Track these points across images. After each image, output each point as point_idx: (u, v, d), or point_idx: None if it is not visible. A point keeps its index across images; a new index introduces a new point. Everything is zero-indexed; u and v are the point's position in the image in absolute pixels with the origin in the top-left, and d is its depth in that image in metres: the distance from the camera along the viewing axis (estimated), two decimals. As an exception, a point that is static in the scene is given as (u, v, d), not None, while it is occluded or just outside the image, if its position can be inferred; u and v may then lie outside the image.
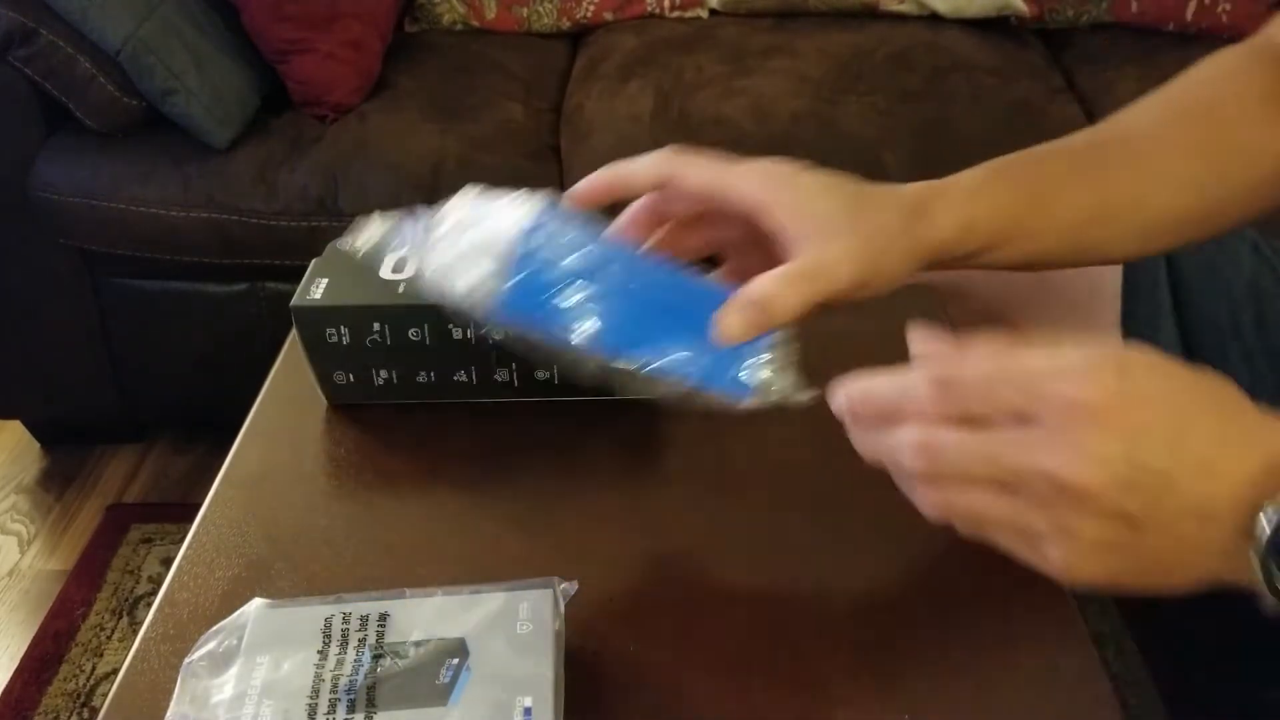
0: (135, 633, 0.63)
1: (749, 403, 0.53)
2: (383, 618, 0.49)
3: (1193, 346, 0.76)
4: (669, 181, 0.56)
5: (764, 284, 0.51)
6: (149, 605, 0.59)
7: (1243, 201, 0.63)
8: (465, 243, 0.52)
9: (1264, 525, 0.40)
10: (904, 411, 0.45)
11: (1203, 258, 0.78)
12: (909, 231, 0.53)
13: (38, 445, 1.77)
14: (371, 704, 0.46)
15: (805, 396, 0.53)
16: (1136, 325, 0.77)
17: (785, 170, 0.55)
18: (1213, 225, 0.64)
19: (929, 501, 0.46)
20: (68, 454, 1.74)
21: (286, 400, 0.71)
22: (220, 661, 0.48)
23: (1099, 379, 0.41)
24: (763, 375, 0.52)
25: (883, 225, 0.53)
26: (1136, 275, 0.77)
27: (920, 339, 0.47)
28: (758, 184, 0.54)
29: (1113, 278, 0.78)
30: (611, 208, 0.58)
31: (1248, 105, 0.64)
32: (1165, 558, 0.43)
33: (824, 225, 0.52)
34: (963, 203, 0.55)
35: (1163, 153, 0.61)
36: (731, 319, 0.51)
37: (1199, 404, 0.42)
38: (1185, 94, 0.65)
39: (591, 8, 1.79)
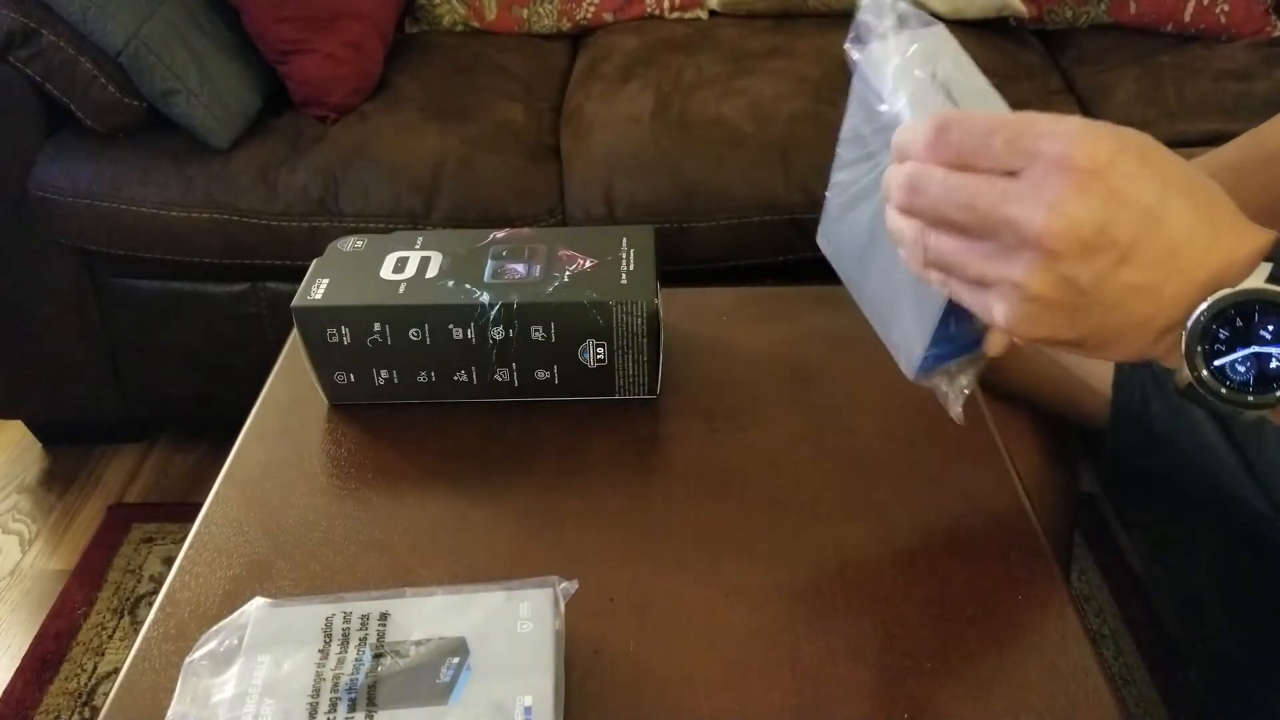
0: (136, 632, 0.63)
1: (916, 379, 0.55)
2: (383, 617, 0.49)
3: None
4: None
5: None
6: (150, 605, 0.60)
7: None
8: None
9: (1199, 313, 0.43)
10: (907, 153, 0.46)
11: None
12: None
13: (39, 445, 1.77)
14: (372, 703, 0.46)
15: (956, 413, 0.55)
16: None
17: None
18: None
19: (905, 237, 0.47)
20: (69, 454, 1.74)
21: (287, 400, 0.71)
22: (221, 661, 0.48)
23: (1093, 145, 0.42)
24: (946, 377, 0.55)
25: None
26: None
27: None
28: None
29: None
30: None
31: None
32: (1107, 330, 0.44)
33: None
34: None
35: None
36: None
37: (1183, 194, 0.43)
38: None
39: (591, 9, 1.79)
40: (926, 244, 0.46)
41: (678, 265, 1.41)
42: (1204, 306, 0.43)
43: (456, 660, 0.47)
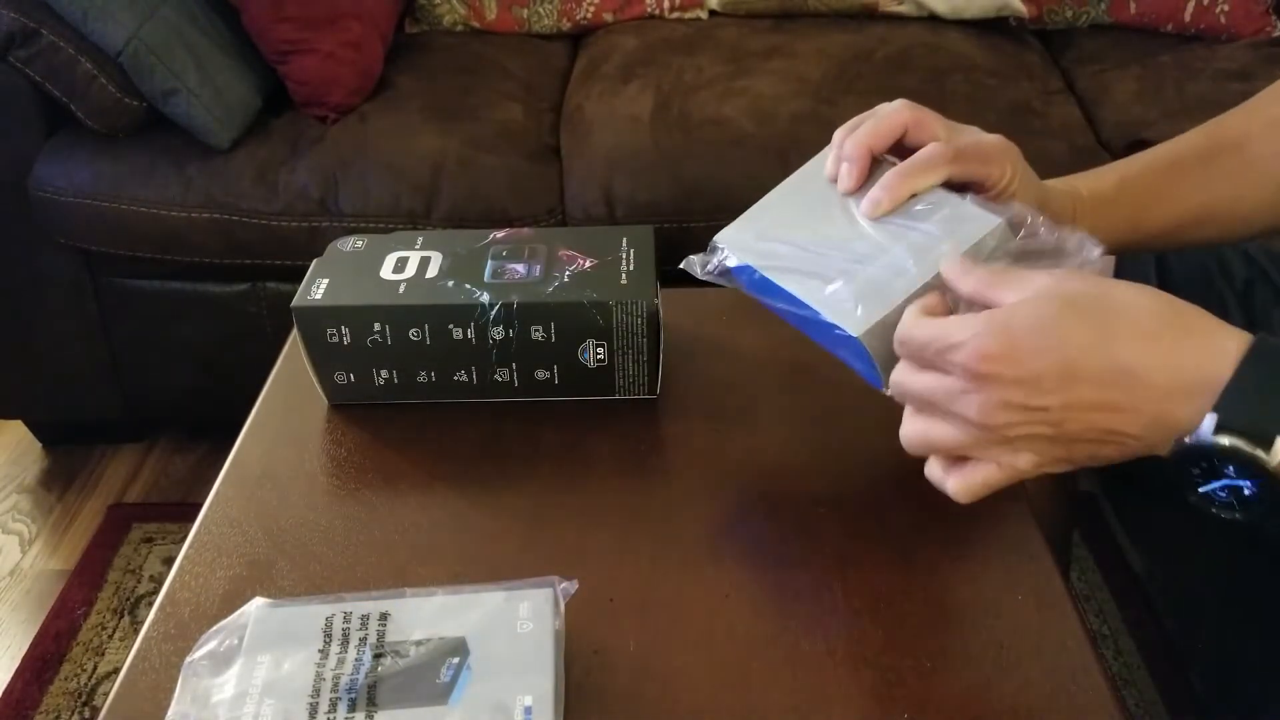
0: (136, 632, 0.63)
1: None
2: (383, 617, 0.49)
3: None
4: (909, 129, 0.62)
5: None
6: (150, 605, 0.60)
7: None
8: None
9: (1168, 456, 0.48)
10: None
11: (1195, 264, 0.77)
12: (1046, 205, 0.62)
13: (39, 445, 1.77)
14: (372, 703, 0.46)
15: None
16: None
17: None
18: None
19: (906, 428, 0.55)
20: (69, 454, 1.75)
21: (287, 400, 0.71)
22: (221, 661, 0.48)
23: (987, 346, 0.48)
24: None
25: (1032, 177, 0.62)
26: (1125, 276, 0.77)
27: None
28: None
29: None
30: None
31: None
32: (1099, 456, 0.50)
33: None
34: (1090, 212, 0.65)
35: (1265, 155, 0.69)
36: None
37: (1092, 348, 0.48)
38: None
39: (591, 9, 1.79)
40: (922, 431, 0.54)
41: (678, 265, 1.41)
42: (1168, 455, 0.48)
43: (456, 660, 0.47)
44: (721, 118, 1.49)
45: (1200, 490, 0.48)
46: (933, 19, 1.74)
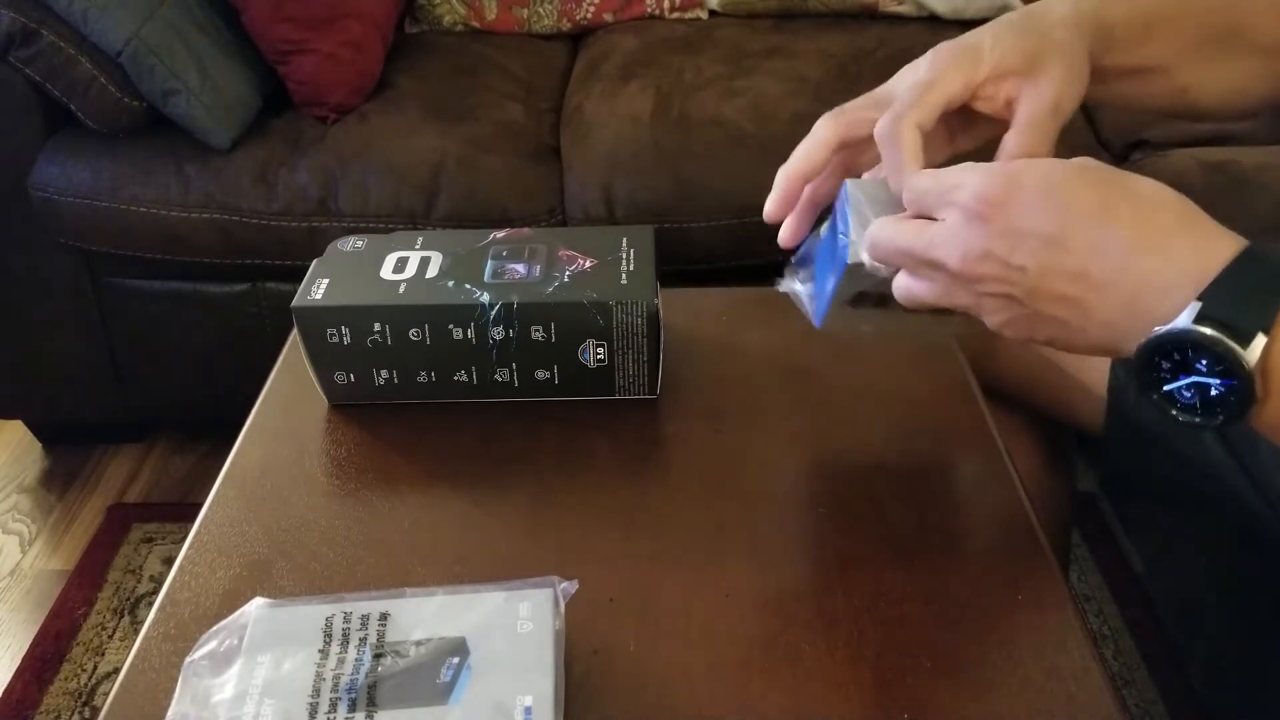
0: (136, 632, 0.63)
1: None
2: (383, 617, 0.49)
3: None
4: (842, 148, 0.61)
5: (1007, 146, 0.58)
6: (150, 605, 0.60)
7: None
8: None
9: (1138, 349, 0.47)
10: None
11: None
12: (1084, 32, 0.59)
13: (39, 445, 1.77)
14: (372, 703, 0.46)
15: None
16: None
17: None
18: None
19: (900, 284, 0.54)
20: (69, 454, 1.75)
21: (287, 400, 0.71)
22: (221, 661, 0.48)
23: (989, 191, 0.48)
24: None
25: (1064, 40, 0.58)
26: None
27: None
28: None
29: None
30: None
31: None
32: (1065, 332, 0.50)
33: (1025, 67, 0.58)
34: (1111, 54, 0.62)
35: (1256, 16, 0.65)
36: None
37: (1089, 219, 0.47)
38: None
39: (591, 9, 1.79)
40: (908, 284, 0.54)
41: (678, 265, 1.41)
42: (1140, 345, 0.47)
43: (456, 660, 0.47)
44: (721, 118, 1.49)
45: (1164, 389, 0.47)
46: (933, 19, 1.74)
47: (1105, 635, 1.39)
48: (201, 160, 1.45)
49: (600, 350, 0.67)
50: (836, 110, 0.61)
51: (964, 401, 0.69)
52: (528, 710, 0.46)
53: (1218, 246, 0.45)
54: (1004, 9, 1.70)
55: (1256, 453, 0.67)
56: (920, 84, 0.57)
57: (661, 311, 0.67)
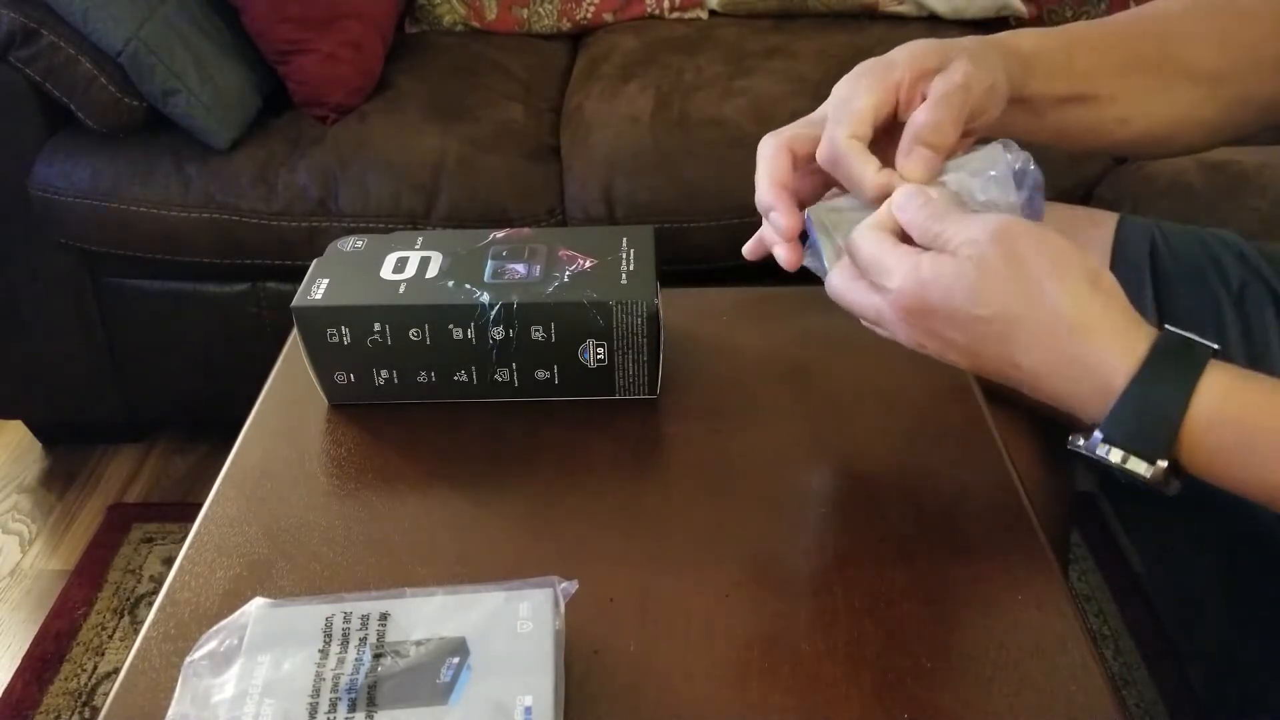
0: (136, 632, 0.63)
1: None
2: (383, 617, 0.49)
3: None
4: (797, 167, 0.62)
5: (917, 120, 0.57)
6: (150, 605, 0.60)
7: (1262, 97, 0.68)
8: None
9: (1075, 443, 0.52)
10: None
11: (1190, 265, 0.77)
12: (993, 46, 0.63)
13: (39, 445, 1.77)
14: (372, 703, 0.46)
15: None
16: None
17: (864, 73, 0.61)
18: (1235, 117, 0.69)
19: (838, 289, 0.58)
20: (69, 454, 1.75)
21: (287, 400, 0.71)
22: (221, 661, 0.48)
23: (905, 302, 0.53)
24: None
25: (971, 45, 0.62)
26: (1120, 277, 0.77)
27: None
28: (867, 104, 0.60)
29: None
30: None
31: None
32: (1011, 379, 0.54)
33: (940, 64, 0.59)
34: (1029, 81, 0.64)
35: (1189, 44, 0.67)
36: (909, 163, 0.57)
37: (984, 340, 0.52)
38: None
39: (591, 9, 1.79)
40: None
41: (678, 265, 1.41)
42: (1066, 447, 0.53)
43: (456, 660, 0.47)
44: (721, 118, 1.49)
45: (1099, 461, 0.52)
46: (933, 19, 1.74)
47: (1105, 635, 1.39)
48: (201, 160, 1.45)
49: (600, 350, 0.67)
50: (773, 132, 0.61)
51: (964, 401, 0.69)
52: (528, 710, 0.46)
53: (1114, 362, 0.49)
54: (1003, 8, 1.70)
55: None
56: (842, 99, 0.59)
57: (661, 311, 0.67)
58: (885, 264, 0.53)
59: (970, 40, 0.61)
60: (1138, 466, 0.49)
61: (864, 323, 0.58)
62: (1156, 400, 0.49)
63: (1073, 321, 0.50)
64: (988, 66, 0.59)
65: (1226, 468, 0.49)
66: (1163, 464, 0.49)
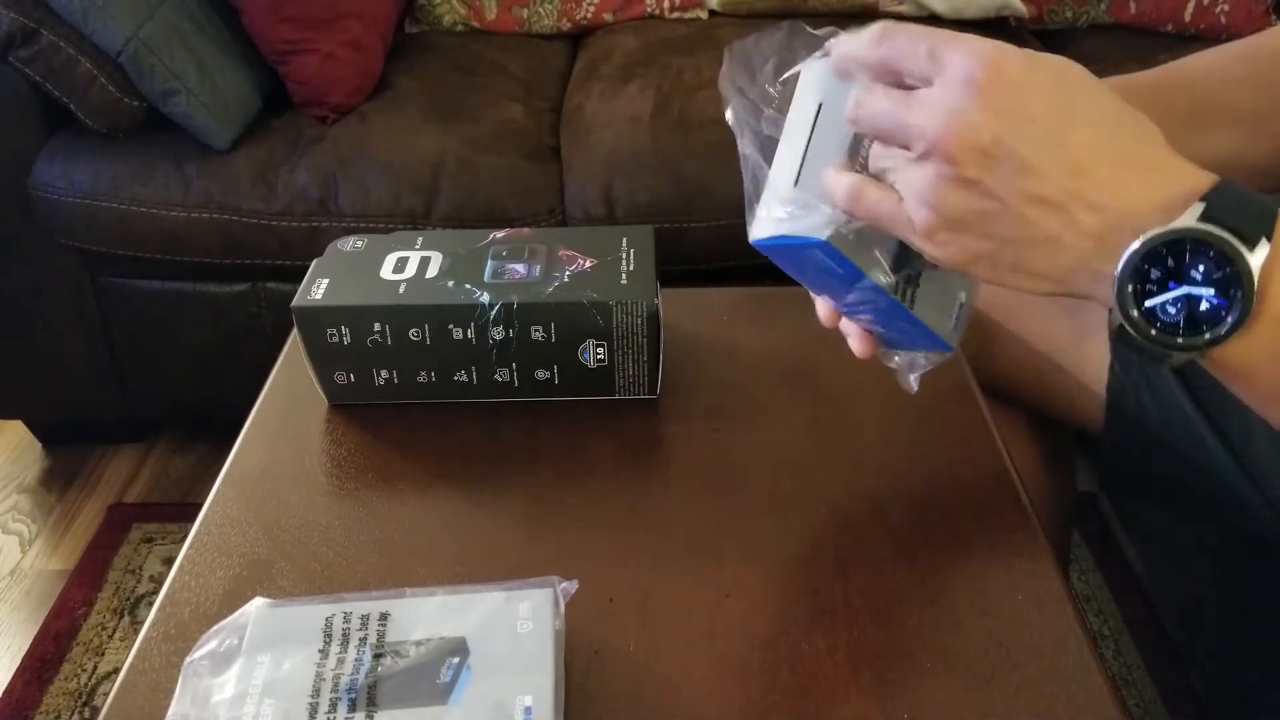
0: (136, 632, 0.63)
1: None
2: (383, 617, 0.49)
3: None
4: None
5: None
6: (150, 605, 0.60)
7: None
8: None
9: (1131, 250, 0.42)
10: (848, 58, 0.49)
11: None
12: None
13: (39, 445, 1.77)
14: (372, 703, 0.46)
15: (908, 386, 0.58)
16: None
17: None
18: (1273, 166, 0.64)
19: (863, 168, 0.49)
20: (69, 454, 1.74)
21: (287, 400, 0.71)
22: (221, 661, 0.48)
23: (1002, 62, 0.43)
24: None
25: None
26: None
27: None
28: None
29: None
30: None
31: None
32: (1019, 244, 0.45)
33: None
34: None
35: (1223, 88, 0.63)
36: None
37: (1097, 121, 0.44)
38: (1250, 41, 0.66)
39: (591, 9, 1.79)
40: (873, 158, 0.48)
41: (678, 265, 1.41)
42: (1136, 245, 0.43)
43: (456, 660, 0.47)
44: (721, 118, 1.49)
45: (1146, 305, 0.44)
46: (933, 19, 1.74)
47: (1105, 635, 1.39)
48: (201, 160, 1.45)
49: (600, 350, 0.67)
50: None
51: (964, 402, 0.69)
52: (528, 710, 0.46)
53: (1201, 174, 0.43)
54: (1004, 8, 1.70)
55: (1256, 453, 0.67)
56: None
57: (661, 311, 0.67)
58: (966, 39, 0.44)
59: None
60: (1241, 247, 0.41)
61: (868, 205, 0.48)
62: (1250, 195, 0.42)
63: (1159, 133, 0.44)
64: None
65: None
66: (1266, 247, 0.41)
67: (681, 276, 0.76)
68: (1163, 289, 0.43)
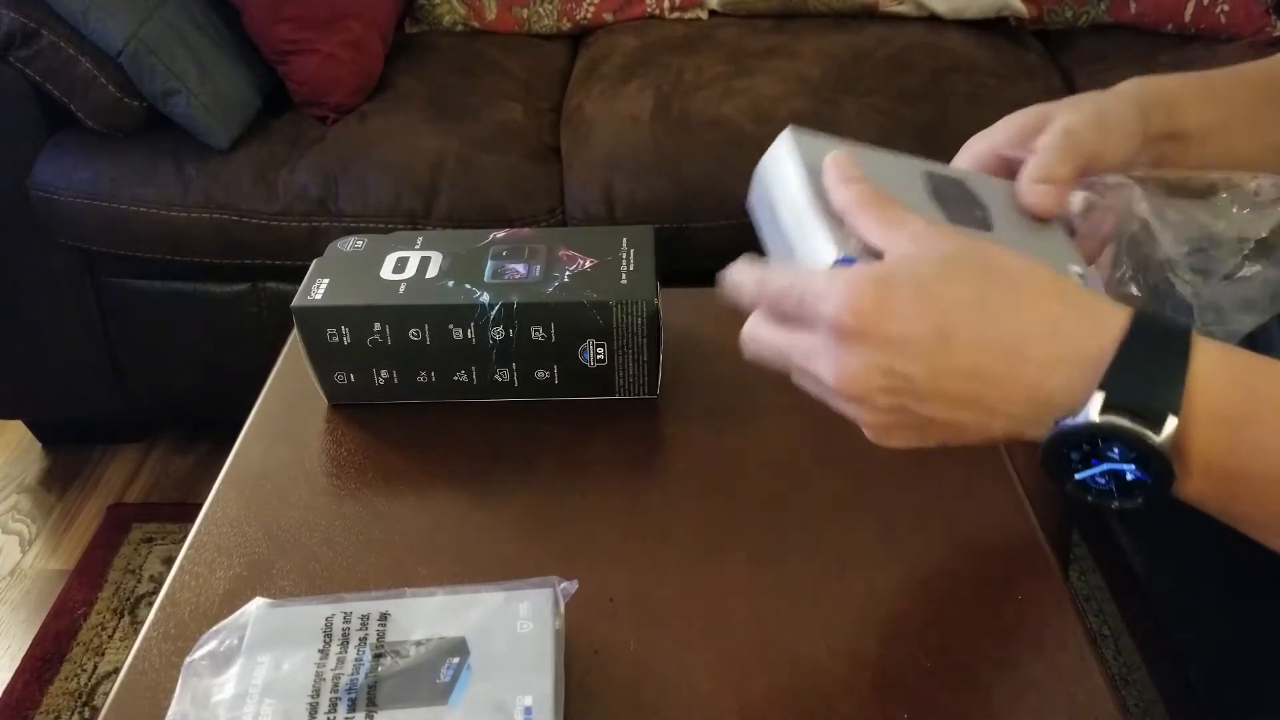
0: (136, 632, 0.63)
1: None
2: (383, 617, 0.49)
3: None
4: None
5: (1025, 166, 0.56)
6: (150, 605, 0.60)
7: None
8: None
9: (1044, 443, 0.45)
10: (739, 297, 0.52)
11: None
12: (1113, 92, 0.60)
13: (39, 445, 1.77)
14: (372, 703, 0.46)
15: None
16: None
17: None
18: None
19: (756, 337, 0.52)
20: (69, 454, 1.75)
21: (287, 400, 0.71)
22: (221, 661, 0.48)
23: (857, 302, 0.45)
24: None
25: (1074, 99, 0.60)
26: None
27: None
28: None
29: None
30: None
31: None
32: (960, 436, 0.48)
33: (1039, 124, 0.59)
34: (1180, 113, 0.60)
35: None
36: (1030, 198, 0.56)
37: (974, 309, 0.45)
38: None
39: (591, 9, 1.79)
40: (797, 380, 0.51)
41: (678, 265, 1.41)
42: (1046, 438, 0.45)
43: (456, 660, 0.47)
44: (721, 118, 1.49)
45: (1076, 478, 0.46)
46: (933, 19, 1.74)
47: (1105, 635, 1.39)
48: (201, 160, 1.45)
49: (600, 350, 0.67)
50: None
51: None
52: (528, 710, 0.46)
53: (1104, 319, 0.45)
54: (1004, 8, 1.70)
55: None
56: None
57: (661, 311, 0.67)
58: (815, 277, 0.47)
59: (1079, 96, 0.61)
60: (1145, 432, 0.42)
61: (795, 379, 0.51)
62: (1158, 349, 0.43)
63: (1053, 284, 0.46)
64: (1093, 110, 0.58)
65: (1234, 445, 0.44)
66: (1173, 423, 0.42)
67: (681, 276, 0.76)
68: (1086, 464, 0.46)
